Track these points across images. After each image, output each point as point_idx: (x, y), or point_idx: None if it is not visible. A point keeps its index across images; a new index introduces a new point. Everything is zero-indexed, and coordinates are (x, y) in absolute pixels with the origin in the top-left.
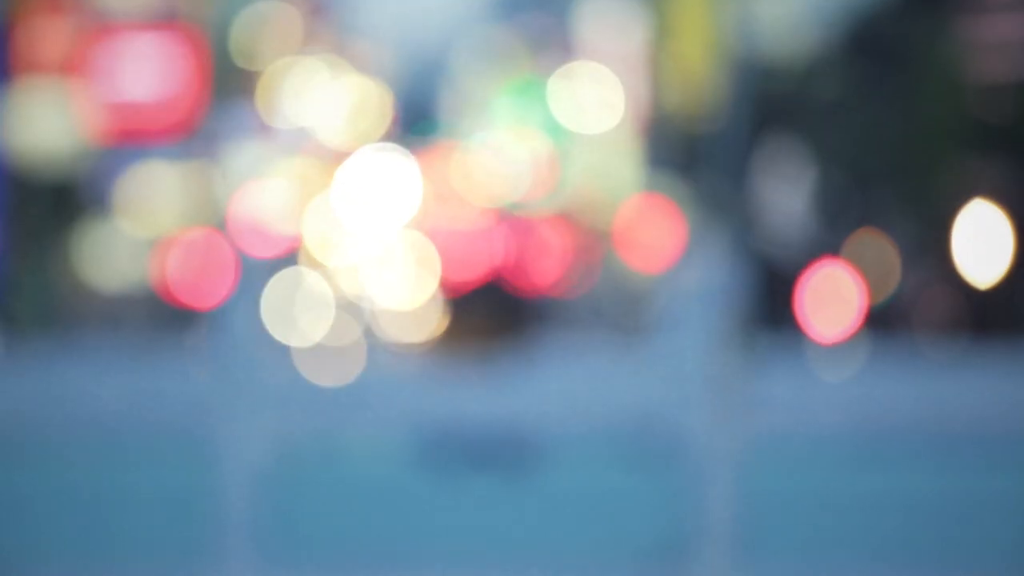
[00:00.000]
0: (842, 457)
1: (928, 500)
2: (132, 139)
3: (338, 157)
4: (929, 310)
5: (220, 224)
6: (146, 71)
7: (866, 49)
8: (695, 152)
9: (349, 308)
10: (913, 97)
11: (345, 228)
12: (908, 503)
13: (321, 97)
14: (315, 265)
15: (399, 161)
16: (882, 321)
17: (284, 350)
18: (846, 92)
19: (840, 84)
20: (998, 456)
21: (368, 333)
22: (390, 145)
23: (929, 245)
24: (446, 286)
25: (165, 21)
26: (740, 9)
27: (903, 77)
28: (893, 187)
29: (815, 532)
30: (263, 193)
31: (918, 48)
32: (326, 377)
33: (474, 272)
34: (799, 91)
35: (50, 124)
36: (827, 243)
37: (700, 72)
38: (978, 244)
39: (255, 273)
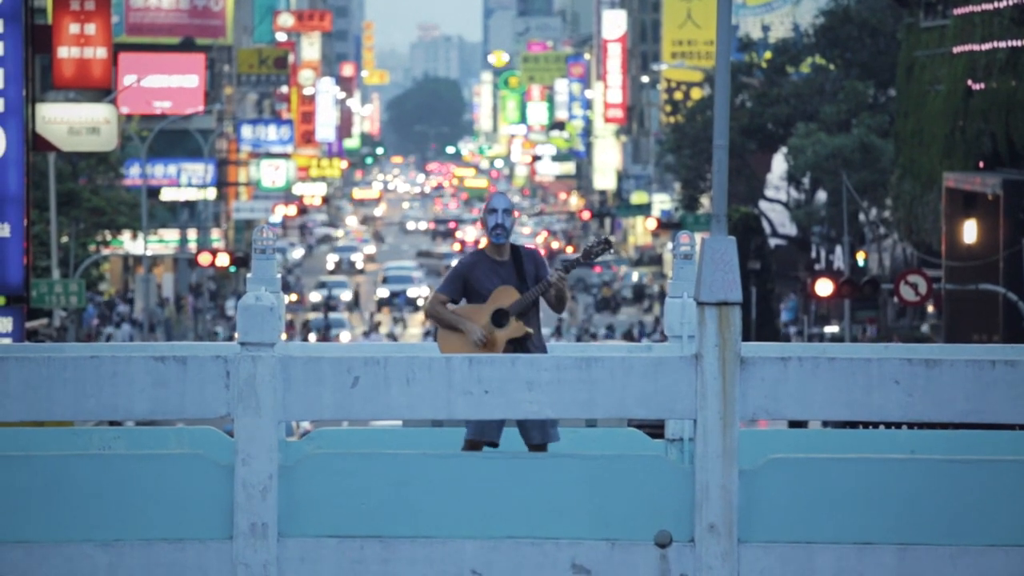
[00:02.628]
0: (837, 434)
1: (921, 476)
2: (159, 144)
3: (349, 158)
4: (914, 303)
5: (239, 211)
6: (174, 78)
7: (854, 55)
8: (688, 154)
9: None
10: (901, 101)
11: (354, 218)
12: (901, 479)
13: (335, 111)
14: (331, 248)
15: (406, 161)
16: (868, 312)
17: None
18: (836, 98)
19: (831, 90)
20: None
21: (381, 316)
22: (395, 147)
23: (917, 246)
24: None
25: (193, 33)
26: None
27: (892, 82)
28: (882, 189)
29: (811, 510)
30: (280, 180)
31: (906, 53)
32: (343, 357)
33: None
34: (790, 95)
35: (79, 129)
36: (818, 242)
37: (696, 76)
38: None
39: (270, 253)
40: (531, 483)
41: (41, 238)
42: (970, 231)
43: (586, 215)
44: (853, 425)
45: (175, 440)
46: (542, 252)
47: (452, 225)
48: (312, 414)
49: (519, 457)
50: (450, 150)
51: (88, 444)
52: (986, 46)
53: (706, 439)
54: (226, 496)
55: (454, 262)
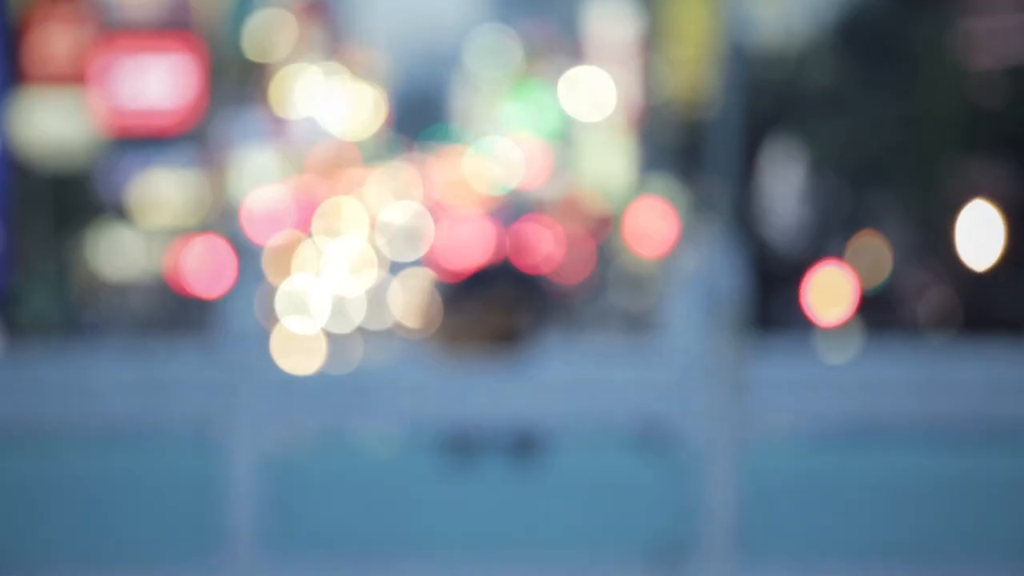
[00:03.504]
0: (841, 444)
1: (928, 483)
2: (140, 141)
3: (340, 157)
4: (923, 302)
5: (225, 220)
6: (154, 75)
7: (862, 44)
8: (691, 148)
9: (351, 297)
10: (910, 91)
11: (346, 222)
12: (906, 487)
13: (325, 101)
14: (318, 256)
15: (401, 159)
16: (877, 311)
17: (288, 337)
18: (842, 88)
19: (836, 80)
20: (994, 441)
21: (372, 320)
22: (389, 144)
23: (925, 239)
24: (451, 273)
25: (173, 27)
26: (735, 6)
27: (900, 71)
28: (890, 180)
29: (815, 521)
30: (267, 190)
31: (914, 41)
32: (331, 365)
33: (479, 259)
34: (795, 87)
35: (59, 127)
36: (823, 237)
37: (697, 69)
38: (973, 240)
39: (256, 263)
40: (525, 493)
41: (24, 243)
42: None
43: (589, 219)
44: (861, 432)
45: (157, 449)
46: (543, 257)
47: (454, 228)
48: (302, 422)
49: (511, 467)
50: (446, 152)
51: (65, 454)
52: (997, 62)
53: (708, 447)
54: (209, 509)
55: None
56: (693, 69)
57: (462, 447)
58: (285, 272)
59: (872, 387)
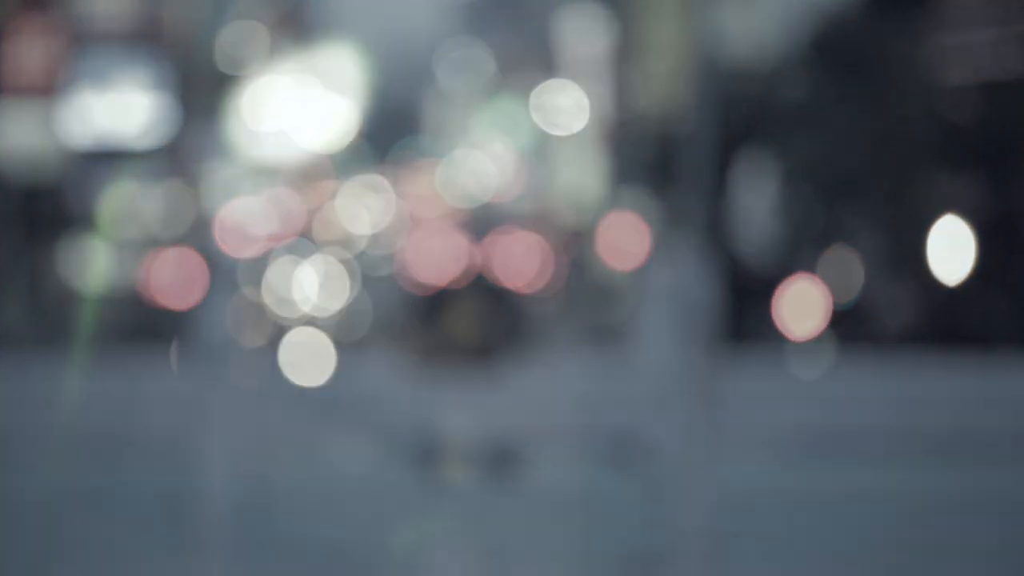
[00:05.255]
0: (812, 455)
1: (901, 498)
2: (112, 153)
3: (310, 169)
4: (895, 316)
5: (197, 233)
6: (126, 87)
7: (835, 58)
8: (664, 161)
9: (324, 309)
10: (883, 105)
11: (319, 234)
12: (878, 501)
13: (297, 113)
14: (290, 268)
15: (371, 172)
16: (849, 325)
17: (261, 350)
18: (816, 101)
19: (809, 94)
20: (970, 453)
21: (344, 333)
22: (361, 157)
23: (897, 253)
24: (423, 286)
25: (145, 38)
26: (708, 20)
27: (873, 85)
28: (862, 194)
29: (787, 532)
30: (239, 202)
31: (887, 55)
32: (305, 378)
33: (451, 274)
34: (768, 101)
35: (30, 139)
36: (796, 251)
37: (669, 83)
38: (945, 254)
39: (228, 276)
40: (497, 506)
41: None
42: None
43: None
44: (833, 445)
45: (129, 461)
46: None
47: (426, 241)
48: (274, 434)
49: (485, 480)
50: (418, 164)
51: (36, 466)
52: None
53: (682, 460)
54: (182, 521)
55: None
56: (667, 82)
57: (436, 460)
58: (257, 284)
59: (844, 400)
